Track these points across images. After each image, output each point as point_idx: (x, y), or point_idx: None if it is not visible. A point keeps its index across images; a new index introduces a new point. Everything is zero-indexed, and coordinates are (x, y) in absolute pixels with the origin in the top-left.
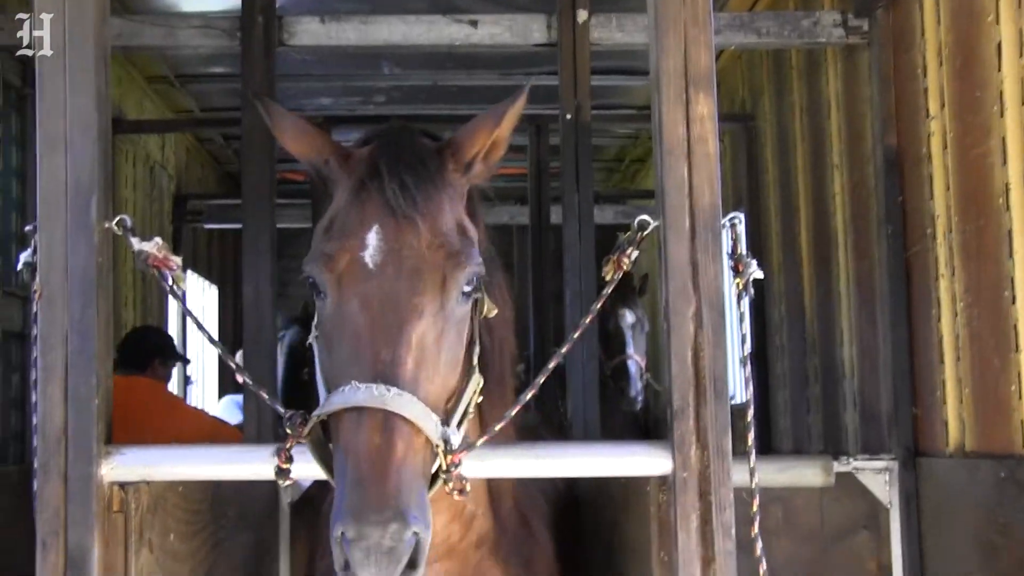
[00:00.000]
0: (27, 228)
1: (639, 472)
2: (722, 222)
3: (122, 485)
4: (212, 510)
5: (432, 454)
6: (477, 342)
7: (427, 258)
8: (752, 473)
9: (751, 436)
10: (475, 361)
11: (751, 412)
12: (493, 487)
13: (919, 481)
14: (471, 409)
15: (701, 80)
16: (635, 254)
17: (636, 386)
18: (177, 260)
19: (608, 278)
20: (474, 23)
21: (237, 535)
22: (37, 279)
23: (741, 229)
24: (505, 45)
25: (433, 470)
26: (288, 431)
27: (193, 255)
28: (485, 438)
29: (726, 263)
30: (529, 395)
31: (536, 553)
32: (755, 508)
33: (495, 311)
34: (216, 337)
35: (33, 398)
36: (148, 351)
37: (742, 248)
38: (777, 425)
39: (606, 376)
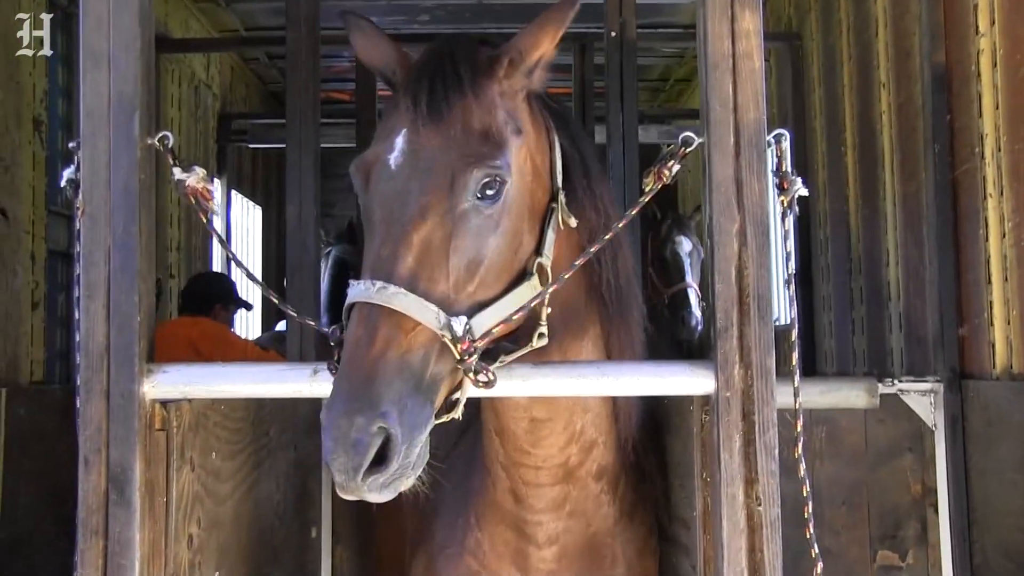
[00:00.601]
0: (71, 145)
1: (682, 391)
2: (767, 139)
3: (163, 403)
4: (254, 428)
5: (441, 350)
6: (545, 252)
7: (440, 159)
8: (796, 394)
9: (795, 356)
10: (533, 270)
11: (795, 332)
12: (619, 415)
13: (965, 403)
14: (541, 321)
15: None
16: (676, 167)
17: (696, 316)
18: (213, 191)
19: (648, 188)
20: None
21: (278, 454)
22: (80, 196)
23: (786, 146)
24: None
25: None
26: (332, 343)
27: (237, 175)
28: (499, 328)
29: (771, 180)
30: (551, 288)
31: (648, 496)
32: (799, 429)
33: (574, 221)
34: (260, 257)
35: (76, 315)
36: (210, 297)
37: (787, 165)
38: (821, 347)
39: (662, 304)
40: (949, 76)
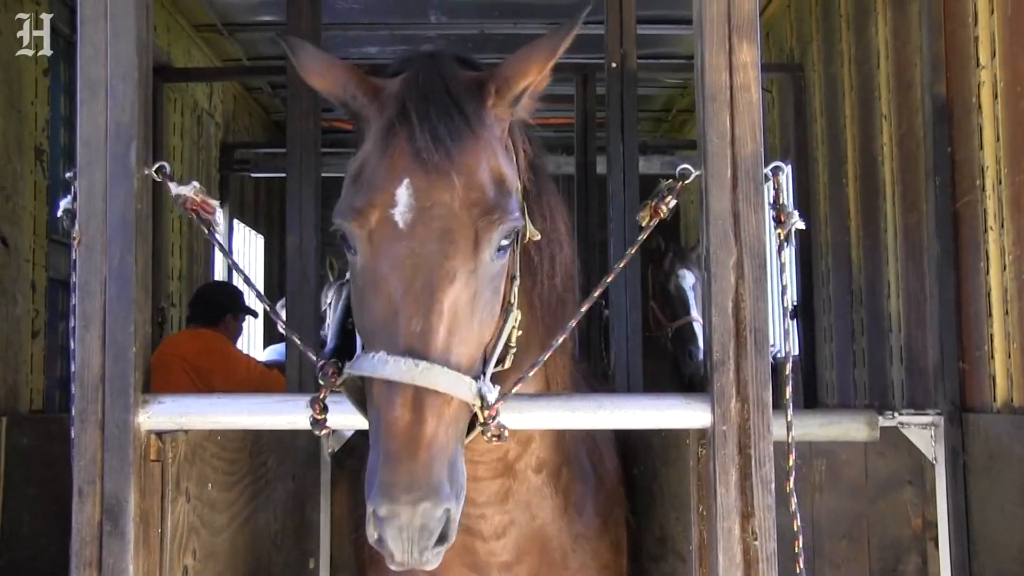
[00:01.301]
0: (67, 174)
1: (678, 425)
2: (765, 172)
3: (159, 434)
4: (251, 459)
5: (468, 411)
6: (517, 276)
7: (460, 217)
8: (789, 427)
9: (789, 389)
10: (513, 298)
11: (790, 365)
12: None
13: (965, 436)
14: (512, 343)
15: (744, 26)
16: (673, 202)
17: (700, 348)
18: (214, 203)
19: (644, 224)
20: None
21: (276, 484)
22: (76, 225)
23: (783, 179)
24: None
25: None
26: (321, 382)
27: (240, 204)
28: (518, 387)
29: (768, 213)
30: (560, 340)
31: (600, 490)
32: (791, 463)
33: (538, 236)
34: (263, 285)
35: (72, 345)
36: (221, 307)
37: (784, 198)
38: (823, 378)
39: (666, 338)
40: (950, 108)
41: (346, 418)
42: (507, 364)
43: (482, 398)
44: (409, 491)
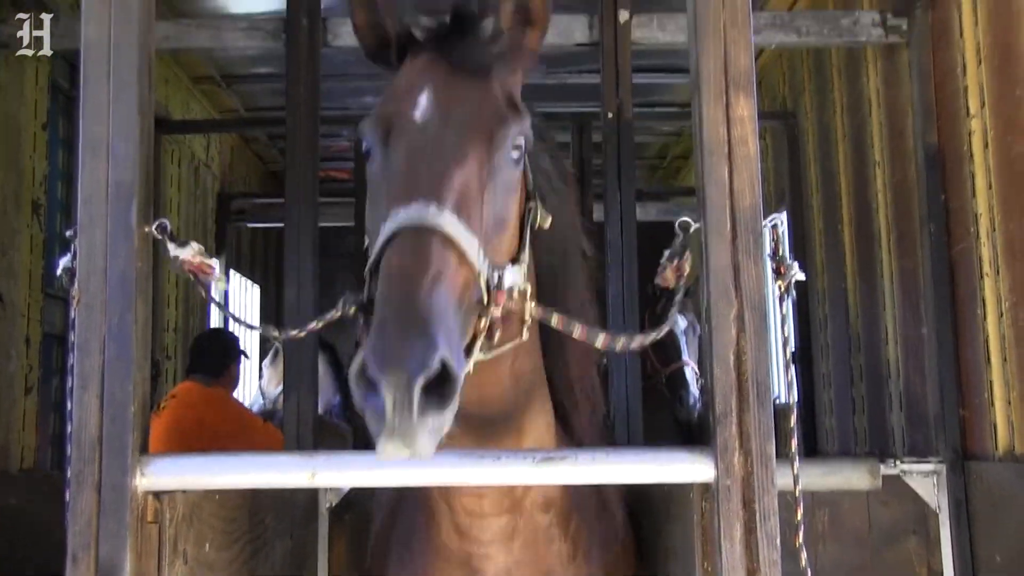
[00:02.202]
0: (68, 232)
1: (681, 479)
2: (764, 224)
3: (156, 495)
4: (249, 518)
5: (476, 291)
6: (527, 251)
7: (475, 115)
8: (796, 480)
9: (795, 442)
10: (523, 259)
11: (795, 417)
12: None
13: (968, 485)
14: (527, 316)
15: (741, 81)
16: (690, 257)
17: (694, 395)
18: (213, 263)
19: (672, 287)
20: None
21: (275, 542)
22: (76, 284)
23: (783, 231)
24: (547, 44)
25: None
26: (337, 313)
27: (236, 254)
28: (532, 316)
29: (768, 265)
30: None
31: (609, 541)
32: (799, 517)
33: (548, 222)
34: (258, 336)
35: (68, 405)
36: (224, 357)
37: (784, 250)
38: (822, 425)
39: (660, 383)
40: (942, 156)
41: (346, 475)
42: (524, 335)
43: (492, 274)
44: (404, 327)
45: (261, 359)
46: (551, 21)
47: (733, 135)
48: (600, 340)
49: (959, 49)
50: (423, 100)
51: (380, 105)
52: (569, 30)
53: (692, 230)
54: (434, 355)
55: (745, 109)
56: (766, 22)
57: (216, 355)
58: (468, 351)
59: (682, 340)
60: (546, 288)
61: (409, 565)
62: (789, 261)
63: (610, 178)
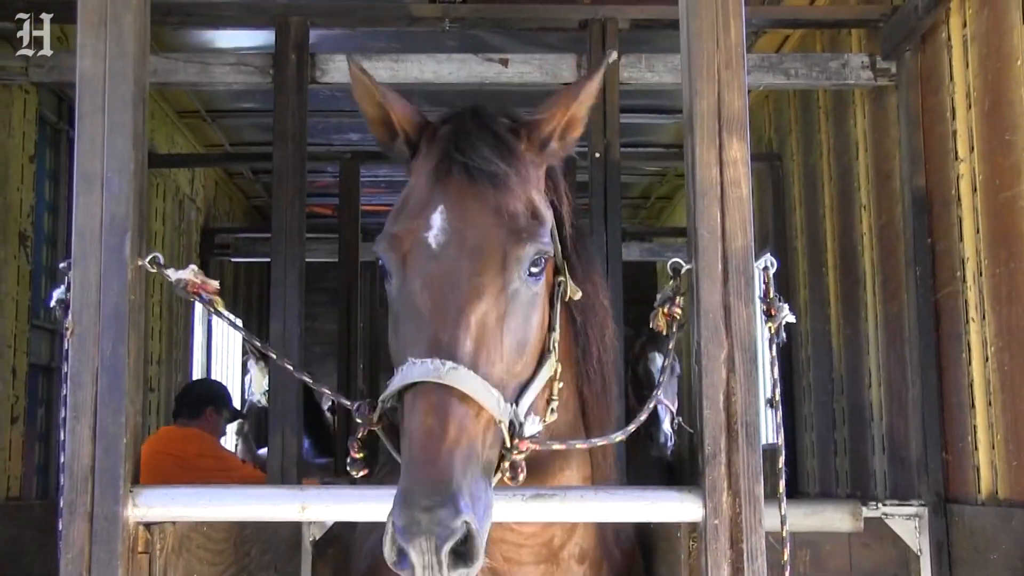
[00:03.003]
0: (61, 265)
1: (670, 518)
2: (755, 266)
3: (147, 525)
4: (236, 549)
5: (497, 435)
6: (556, 328)
7: (489, 236)
8: (783, 521)
9: (782, 484)
10: (553, 347)
11: (782, 459)
12: None
13: (950, 528)
14: (554, 395)
15: (734, 123)
16: (681, 299)
17: (664, 433)
18: (213, 283)
19: (666, 332)
20: (504, 62)
21: (259, 574)
22: (69, 316)
23: (773, 272)
24: (535, 84)
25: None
26: (359, 420)
27: (220, 289)
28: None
29: (758, 307)
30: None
31: None
32: (786, 557)
33: (579, 294)
34: (240, 371)
35: (61, 436)
36: (201, 400)
37: (773, 292)
38: (804, 466)
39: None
40: (929, 199)
41: (332, 509)
42: (547, 418)
43: (512, 425)
44: (429, 496)
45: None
46: (539, 63)
47: (726, 177)
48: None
49: (949, 93)
50: (435, 223)
51: (394, 221)
52: (557, 69)
53: (683, 271)
54: (458, 520)
55: (738, 152)
56: (755, 64)
57: (196, 400)
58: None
59: (657, 378)
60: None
61: None
62: (779, 303)
63: (596, 218)
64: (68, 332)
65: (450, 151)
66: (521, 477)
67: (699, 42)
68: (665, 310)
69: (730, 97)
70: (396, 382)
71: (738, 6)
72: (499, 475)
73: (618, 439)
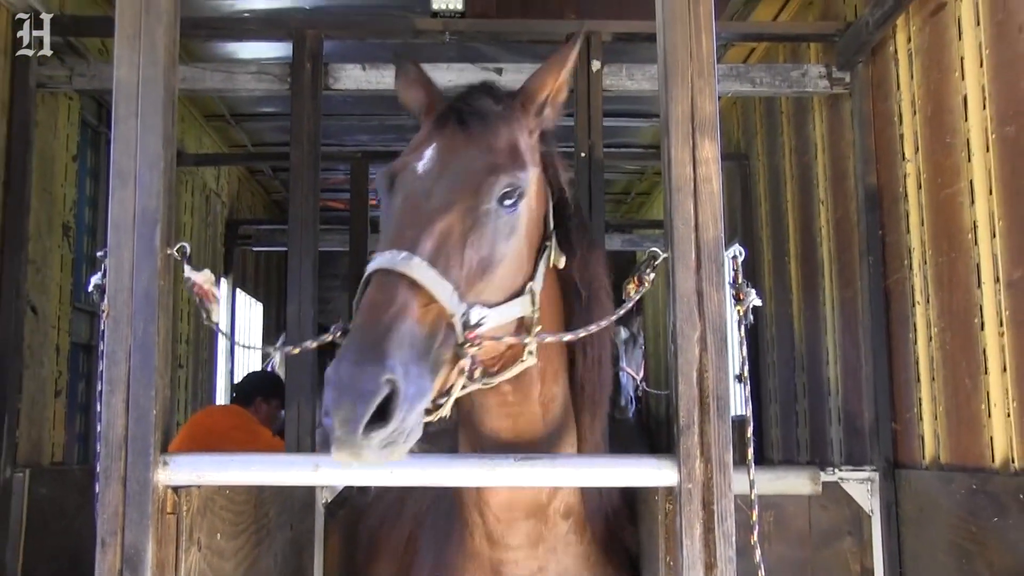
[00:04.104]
0: (98, 253)
1: (649, 483)
2: (726, 255)
3: (175, 489)
4: (255, 511)
5: (448, 331)
6: (537, 279)
7: (468, 164)
8: (752, 485)
9: (750, 452)
10: (529, 292)
11: (751, 429)
12: None
13: (898, 491)
14: (529, 343)
15: (706, 126)
16: (652, 275)
17: (626, 396)
18: (218, 293)
19: (632, 294)
20: (499, 70)
21: (276, 533)
22: (105, 300)
23: (741, 260)
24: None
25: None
26: (335, 340)
27: (242, 275)
28: (494, 332)
29: (728, 292)
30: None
31: (619, 545)
32: (754, 518)
33: (563, 261)
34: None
35: (98, 407)
36: (251, 391)
37: (742, 278)
38: (769, 436)
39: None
40: (880, 196)
41: (343, 474)
42: (525, 359)
43: (463, 314)
44: (357, 354)
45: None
46: (531, 71)
47: (699, 174)
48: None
49: (896, 100)
50: (426, 154)
51: (395, 161)
52: None
53: (660, 260)
54: (380, 379)
55: (710, 151)
56: (724, 73)
57: (246, 391)
58: (449, 391)
59: (621, 349)
60: (579, 316)
61: (443, 569)
62: (747, 288)
63: (582, 212)
64: (104, 314)
65: (453, 102)
66: (477, 374)
67: (674, 53)
68: (635, 278)
69: (702, 102)
70: (363, 280)
71: (709, 22)
72: (458, 376)
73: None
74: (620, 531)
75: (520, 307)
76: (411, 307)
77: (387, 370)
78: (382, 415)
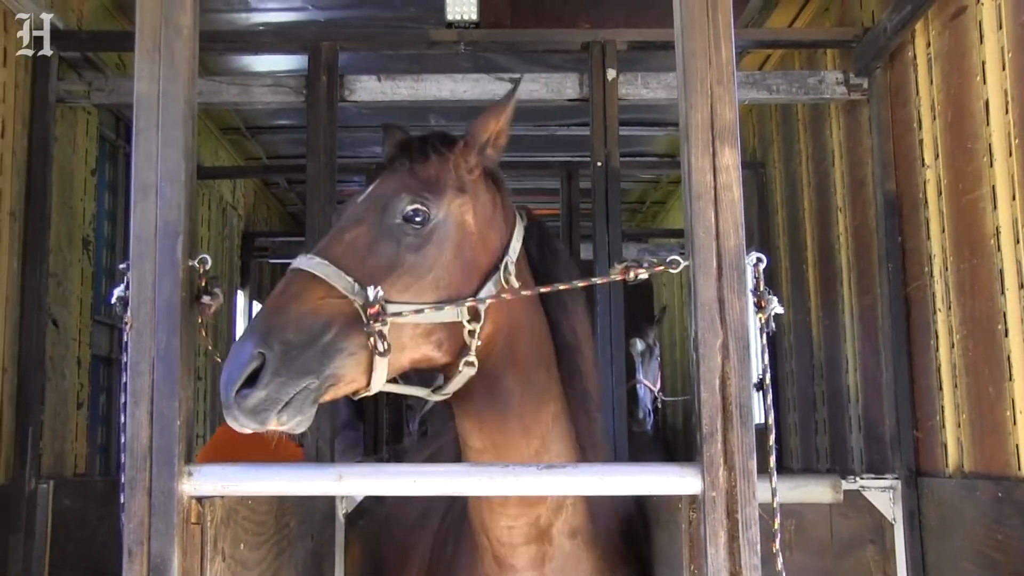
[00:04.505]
0: (121, 266)
1: (672, 491)
2: (747, 262)
3: (199, 499)
4: (276, 521)
5: (350, 322)
6: (484, 296)
7: (383, 192)
8: (774, 493)
9: (772, 459)
10: (466, 307)
11: (772, 436)
12: None
13: (921, 499)
14: (468, 346)
15: (726, 133)
16: (643, 276)
17: (644, 408)
18: (211, 312)
19: (611, 276)
20: (514, 81)
21: (298, 544)
22: (128, 312)
23: (763, 268)
24: (542, 100)
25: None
26: None
27: (259, 287)
28: (413, 327)
29: (750, 299)
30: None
31: (631, 560)
32: (776, 525)
33: (516, 283)
34: None
35: (122, 419)
36: None
37: (763, 286)
38: (788, 444)
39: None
40: (900, 202)
41: (362, 483)
42: (461, 368)
43: (363, 296)
44: (247, 334)
45: None
46: (546, 81)
47: (719, 182)
48: None
49: (915, 106)
50: (364, 193)
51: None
52: (561, 87)
53: (681, 268)
54: (253, 351)
55: (730, 159)
56: (741, 80)
57: None
58: (372, 365)
59: (637, 361)
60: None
61: None
62: (769, 296)
63: (598, 221)
64: (128, 326)
65: (397, 150)
66: (381, 347)
67: (693, 61)
68: (622, 267)
69: (722, 109)
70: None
71: (728, 28)
72: (369, 352)
73: None
74: (634, 539)
75: (450, 313)
76: (304, 296)
77: (260, 344)
78: (252, 381)
